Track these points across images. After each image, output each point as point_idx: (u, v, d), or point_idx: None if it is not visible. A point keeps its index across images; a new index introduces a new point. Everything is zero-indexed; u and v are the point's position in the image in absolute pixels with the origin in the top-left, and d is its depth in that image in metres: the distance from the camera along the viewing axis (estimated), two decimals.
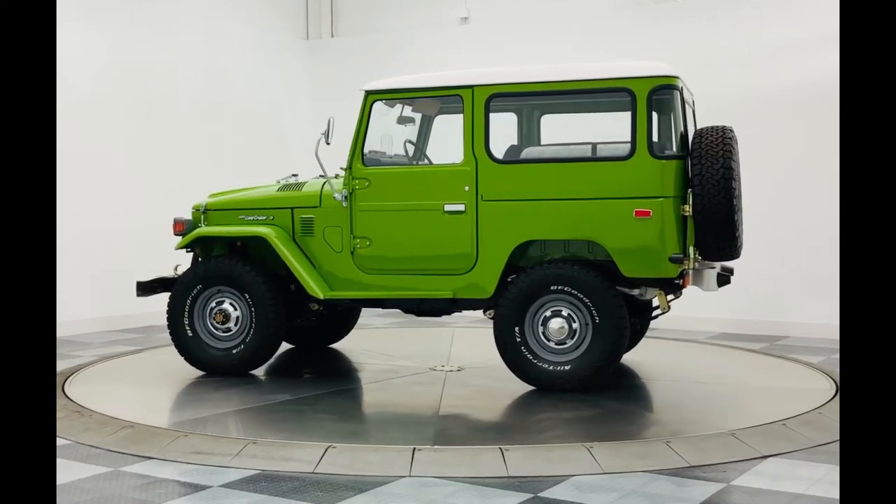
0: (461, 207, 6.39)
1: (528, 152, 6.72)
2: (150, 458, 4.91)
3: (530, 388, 6.38)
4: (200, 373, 7.07)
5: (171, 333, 7.04)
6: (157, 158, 10.58)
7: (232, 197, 7.27)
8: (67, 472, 4.66)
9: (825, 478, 4.49)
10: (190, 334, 6.96)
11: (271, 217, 6.97)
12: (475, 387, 6.54)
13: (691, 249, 6.00)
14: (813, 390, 6.32)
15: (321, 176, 6.96)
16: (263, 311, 6.79)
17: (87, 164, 9.75)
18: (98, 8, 10.03)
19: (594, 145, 6.64)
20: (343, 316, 8.16)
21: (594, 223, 6.13)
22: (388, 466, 4.65)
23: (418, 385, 6.67)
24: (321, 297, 6.69)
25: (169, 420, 5.50)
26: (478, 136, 6.35)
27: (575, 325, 6.13)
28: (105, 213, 9.99)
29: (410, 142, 7.11)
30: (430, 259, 6.52)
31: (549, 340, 6.19)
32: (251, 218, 7.02)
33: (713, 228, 5.90)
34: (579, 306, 6.10)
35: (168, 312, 7.03)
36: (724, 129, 6.08)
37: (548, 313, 6.19)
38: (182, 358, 7.05)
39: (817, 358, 7.80)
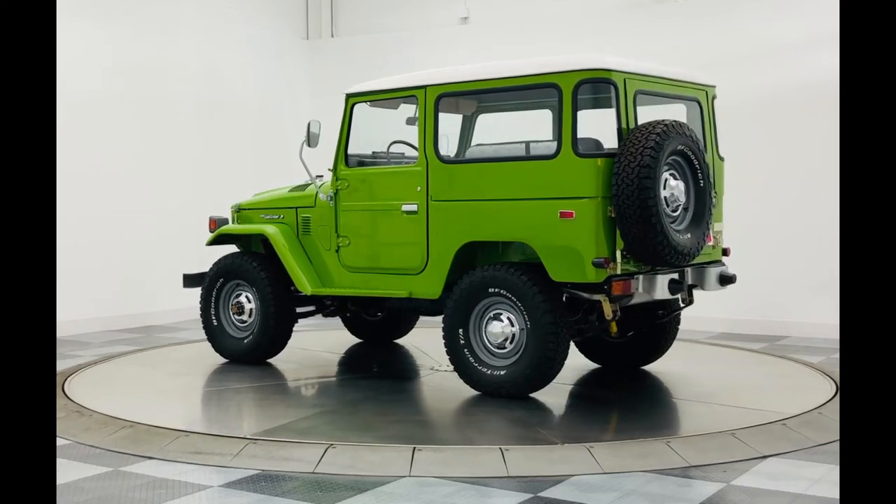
0: (414, 208, 6.41)
1: (471, 152, 6.64)
2: (150, 458, 4.91)
3: None
4: (200, 372, 7.18)
5: (202, 322, 7.60)
6: (156, 158, 10.57)
7: (260, 197, 7.71)
8: (67, 472, 4.66)
9: (825, 478, 4.49)
10: (215, 323, 7.52)
11: (281, 216, 7.34)
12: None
13: (618, 254, 5.68)
14: (813, 390, 6.32)
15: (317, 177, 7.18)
16: (265, 305, 7.18)
17: (86, 163, 9.75)
18: (98, 7, 10.03)
19: (527, 144, 6.43)
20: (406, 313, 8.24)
21: (524, 225, 5.91)
22: (388, 466, 4.65)
23: (419, 385, 6.67)
24: (309, 292, 6.98)
25: (169, 420, 5.50)
26: (429, 136, 6.33)
27: (513, 330, 5.96)
28: (104, 212, 9.98)
29: (404, 142, 7.09)
30: (392, 258, 6.61)
31: (490, 344, 6.07)
32: (269, 217, 7.42)
33: (631, 232, 5.57)
34: (517, 310, 5.91)
35: (200, 303, 7.57)
36: (656, 124, 5.68)
37: (491, 315, 6.06)
38: (211, 346, 7.63)
39: (817, 358, 7.80)
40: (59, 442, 5.20)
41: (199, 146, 11.05)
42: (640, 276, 5.79)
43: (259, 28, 12.01)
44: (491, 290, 5.96)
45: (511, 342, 5.96)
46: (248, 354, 7.34)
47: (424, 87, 6.40)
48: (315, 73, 12.51)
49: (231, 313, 7.46)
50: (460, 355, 6.13)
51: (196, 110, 11.08)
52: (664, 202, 5.68)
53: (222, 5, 11.50)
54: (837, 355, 7.78)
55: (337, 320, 8.36)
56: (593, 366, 7.11)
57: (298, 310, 7.45)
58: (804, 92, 9.24)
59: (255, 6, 12.05)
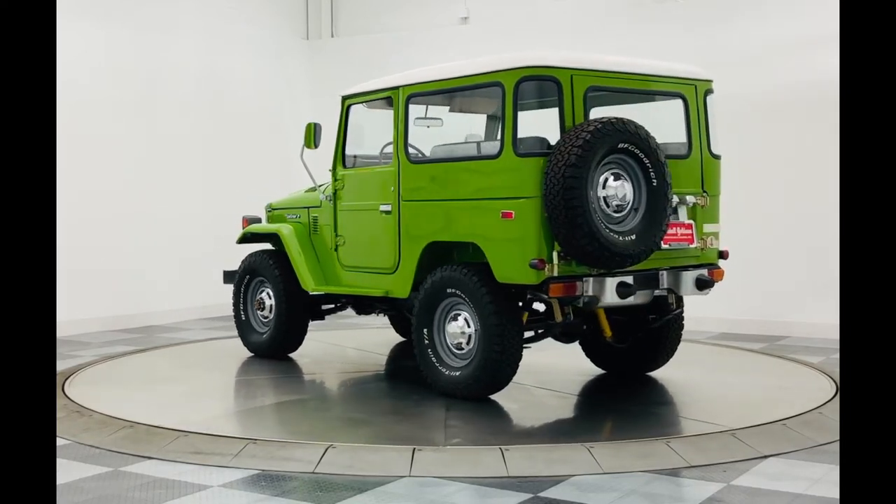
0: (389, 208, 6.46)
1: (433, 151, 6.63)
2: (150, 458, 4.91)
3: (529, 388, 6.39)
4: (201, 372, 7.22)
5: (234, 317, 7.94)
6: (156, 158, 10.57)
7: (288, 197, 7.89)
8: (67, 472, 4.66)
9: (825, 478, 4.49)
10: (243, 318, 7.85)
11: (299, 216, 7.52)
12: None
13: (555, 255, 5.54)
14: (813, 390, 6.32)
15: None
16: (278, 301, 7.47)
17: (86, 163, 9.75)
18: (98, 7, 10.03)
19: (478, 143, 6.29)
20: None
21: (473, 225, 5.86)
22: (388, 466, 4.65)
23: (422, 384, 6.67)
24: (310, 290, 7.16)
25: (169, 420, 5.50)
26: (401, 137, 6.36)
27: (470, 331, 5.91)
28: (104, 212, 9.98)
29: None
30: (373, 257, 6.67)
31: (450, 345, 6.05)
32: (291, 216, 7.61)
33: (560, 232, 5.44)
34: (472, 311, 5.86)
35: (232, 299, 7.90)
36: (591, 122, 5.49)
37: (451, 316, 6.03)
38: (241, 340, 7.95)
39: (817, 358, 7.79)
40: (59, 442, 5.20)
41: (199, 146, 11.05)
42: (591, 279, 5.60)
43: (259, 28, 12.01)
44: (448, 290, 5.96)
45: (468, 343, 5.93)
46: (267, 349, 7.64)
47: (397, 87, 6.44)
48: (315, 74, 12.51)
49: (255, 309, 7.75)
50: (425, 355, 6.14)
51: (196, 110, 11.08)
52: (602, 202, 5.53)
53: (222, 5, 11.50)
54: (837, 355, 7.77)
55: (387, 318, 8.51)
56: (598, 370, 7.05)
57: (324, 307, 7.70)
58: (805, 92, 9.23)
59: (255, 6, 12.05)
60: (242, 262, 7.84)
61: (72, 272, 9.24)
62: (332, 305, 7.72)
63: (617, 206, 5.61)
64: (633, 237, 5.57)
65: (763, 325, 9.43)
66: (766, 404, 5.88)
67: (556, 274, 5.55)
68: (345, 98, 6.98)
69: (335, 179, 6.99)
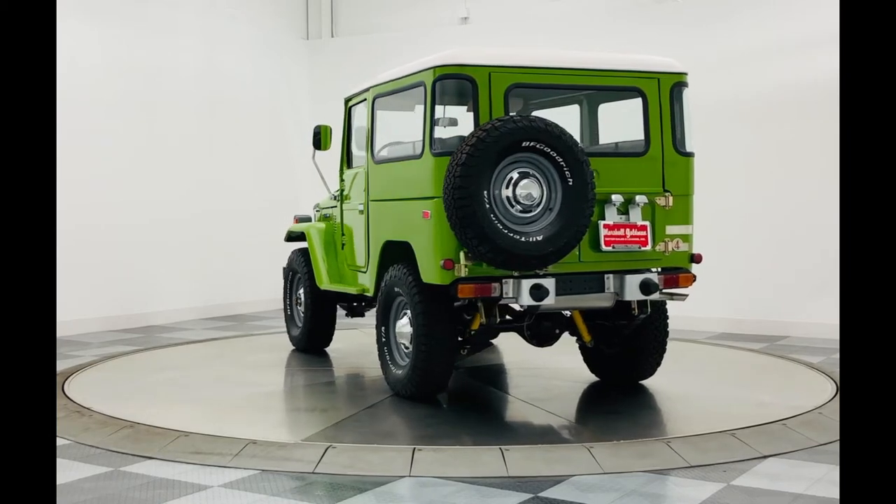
0: (362, 207, 6.59)
1: (388, 150, 6.64)
2: (150, 458, 4.91)
3: (529, 388, 6.39)
4: (201, 372, 7.23)
5: (283, 312, 8.41)
6: (156, 159, 10.57)
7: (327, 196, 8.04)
8: (67, 472, 4.66)
9: (825, 478, 4.49)
10: (288, 313, 8.32)
11: (328, 214, 7.71)
12: (476, 387, 6.54)
13: (462, 256, 5.39)
14: (813, 390, 6.32)
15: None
16: (306, 298, 7.84)
17: (86, 163, 9.75)
18: (98, 7, 10.03)
19: (413, 143, 6.05)
20: None
21: (406, 224, 5.86)
22: (388, 466, 4.65)
23: None
24: (322, 287, 7.36)
25: (169, 420, 5.50)
26: (367, 136, 6.46)
27: (411, 330, 5.85)
28: (104, 212, 9.98)
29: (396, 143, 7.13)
30: (357, 256, 6.84)
31: (400, 343, 6.05)
32: (327, 215, 7.79)
33: (455, 233, 5.31)
34: (410, 311, 5.84)
35: (283, 295, 8.36)
36: (492, 121, 5.30)
37: (400, 315, 6.05)
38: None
39: (817, 358, 7.79)
40: (59, 442, 5.20)
41: (199, 146, 11.06)
42: (510, 281, 5.41)
43: (259, 28, 12.01)
44: (396, 290, 5.99)
45: (411, 342, 5.89)
46: (300, 343, 8.09)
47: (368, 88, 6.57)
48: (315, 74, 12.52)
49: (296, 305, 8.21)
50: (381, 353, 6.22)
51: (196, 110, 11.08)
52: (506, 202, 5.33)
53: (222, 6, 11.50)
54: (837, 355, 7.77)
55: None
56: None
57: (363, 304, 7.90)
58: (805, 92, 9.23)
59: (255, 7, 12.05)
60: (288, 259, 8.26)
61: (72, 272, 9.24)
62: (362, 303, 7.73)
63: (523, 205, 5.38)
64: (540, 238, 5.30)
65: (763, 325, 9.44)
66: (766, 404, 5.88)
67: (463, 274, 5.42)
68: (346, 100, 7.13)
69: (341, 180, 7.19)
